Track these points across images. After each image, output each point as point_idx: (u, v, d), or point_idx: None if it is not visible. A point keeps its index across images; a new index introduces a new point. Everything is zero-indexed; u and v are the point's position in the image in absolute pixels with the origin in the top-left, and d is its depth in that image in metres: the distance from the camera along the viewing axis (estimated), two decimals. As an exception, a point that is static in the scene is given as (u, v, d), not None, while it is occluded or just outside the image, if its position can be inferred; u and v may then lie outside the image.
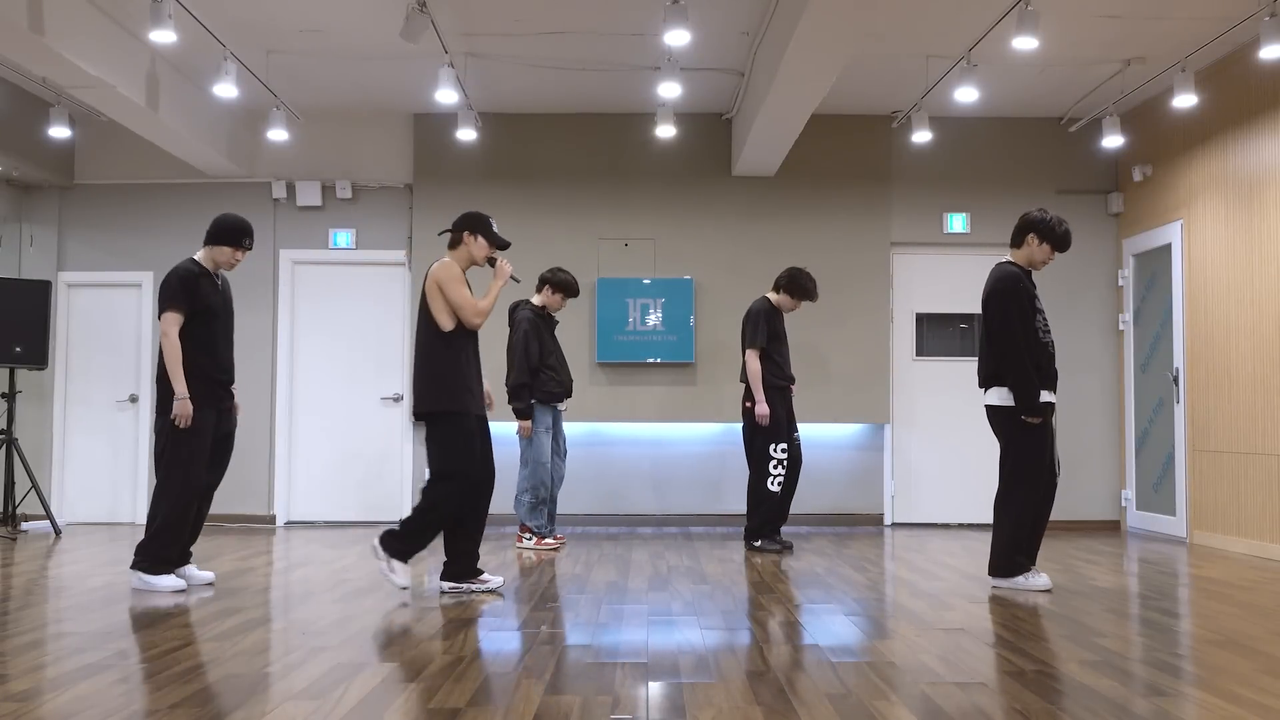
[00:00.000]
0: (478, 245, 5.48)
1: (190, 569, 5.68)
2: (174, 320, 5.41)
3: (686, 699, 3.32)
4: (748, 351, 7.23)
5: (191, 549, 5.73)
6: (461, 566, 5.47)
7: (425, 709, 3.20)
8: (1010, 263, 5.64)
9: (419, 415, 5.44)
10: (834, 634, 4.40)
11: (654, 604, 5.12)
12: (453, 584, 5.45)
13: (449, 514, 5.36)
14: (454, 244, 5.51)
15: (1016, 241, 5.63)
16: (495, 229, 5.53)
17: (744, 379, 7.32)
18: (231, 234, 5.54)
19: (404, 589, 5.44)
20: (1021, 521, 5.53)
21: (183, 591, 5.43)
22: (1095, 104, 8.70)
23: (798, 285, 7.28)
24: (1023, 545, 5.56)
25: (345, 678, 3.59)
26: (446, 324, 5.38)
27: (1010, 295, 5.49)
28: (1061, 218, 5.59)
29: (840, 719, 3.12)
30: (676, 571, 6.23)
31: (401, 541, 5.38)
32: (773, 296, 7.37)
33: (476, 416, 5.40)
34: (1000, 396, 5.56)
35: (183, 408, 5.38)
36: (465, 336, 5.44)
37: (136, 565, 5.46)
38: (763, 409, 7.12)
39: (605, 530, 8.59)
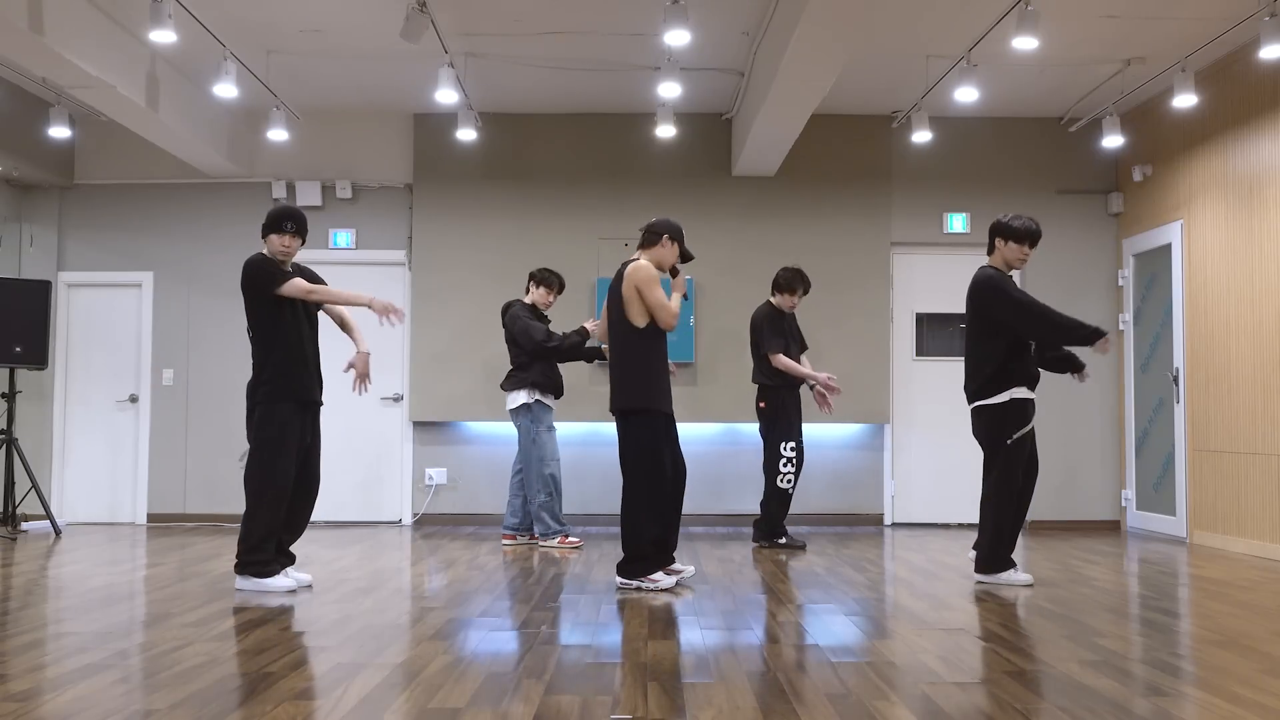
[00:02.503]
0: (670, 251, 5.65)
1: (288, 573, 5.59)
2: (293, 285, 5.34)
3: (686, 699, 3.32)
4: (772, 357, 7.34)
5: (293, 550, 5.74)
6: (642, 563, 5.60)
7: (425, 709, 3.20)
8: (986, 266, 5.86)
9: (617, 411, 5.59)
10: (834, 634, 4.40)
11: (654, 604, 5.12)
12: (623, 580, 5.61)
13: (649, 508, 5.51)
14: (649, 244, 5.65)
15: (990, 249, 5.86)
16: (686, 244, 5.76)
17: (755, 380, 7.47)
18: (272, 221, 5.45)
19: (674, 585, 5.60)
20: (1003, 520, 5.69)
21: (294, 591, 5.42)
22: (1095, 104, 8.70)
23: (781, 281, 7.45)
24: (1006, 542, 5.75)
25: (345, 678, 3.59)
26: (640, 321, 5.55)
27: (1000, 281, 5.69)
28: (1023, 215, 5.78)
29: (840, 719, 3.12)
30: (676, 571, 6.23)
31: (629, 563, 5.58)
32: (773, 299, 7.50)
33: (665, 415, 5.57)
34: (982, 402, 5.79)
35: (381, 303, 5.37)
36: (658, 334, 5.62)
37: (242, 570, 5.44)
38: (820, 377, 7.31)
39: (605, 530, 8.59)
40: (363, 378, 5.63)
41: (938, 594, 5.47)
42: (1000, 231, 5.77)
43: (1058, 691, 3.43)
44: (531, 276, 7.59)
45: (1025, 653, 4.02)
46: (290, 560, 5.63)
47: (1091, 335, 5.52)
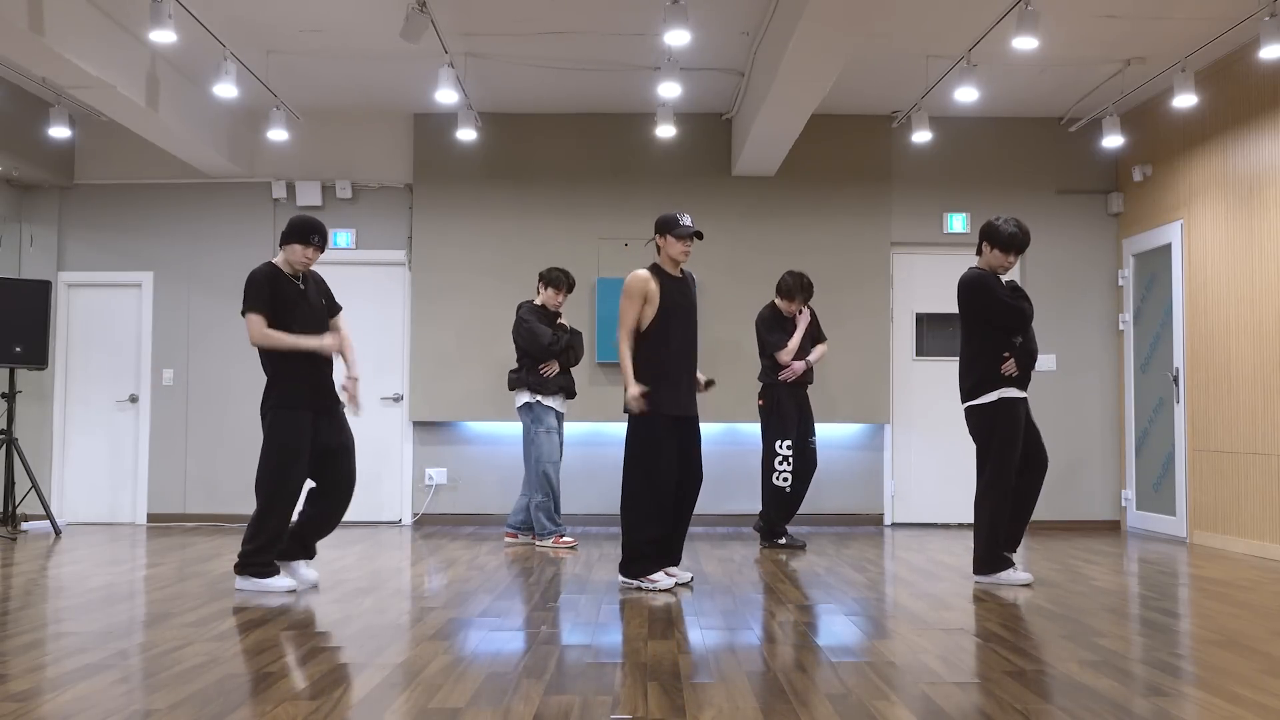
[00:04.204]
0: (669, 245, 5.60)
1: (299, 566, 5.61)
2: (257, 321, 5.34)
3: (686, 699, 3.32)
4: (776, 355, 7.38)
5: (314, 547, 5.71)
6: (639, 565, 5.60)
7: (425, 709, 3.20)
8: (976, 267, 5.90)
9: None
10: (834, 634, 4.40)
11: (654, 604, 5.12)
12: (624, 579, 5.64)
13: (645, 508, 5.48)
14: (657, 250, 5.67)
15: (979, 250, 5.90)
16: (683, 222, 5.59)
17: (761, 378, 7.51)
18: (297, 231, 5.42)
19: (672, 587, 5.57)
20: (997, 519, 5.70)
21: (293, 591, 5.41)
22: (1095, 104, 8.69)
23: (781, 287, 7.50)
24: (1002, 542, 5.76)
25: (345, 678, 3.59)
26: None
27: (986, 281, 5.73)
28: (1014, 220, 5.78)
29: (840, 719, 3.12)
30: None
31: (628, 563, 5.59)
32: (776, 301, 7.57)
33: (674, 417, 5.52)
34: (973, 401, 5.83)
35: (318, 344, 5.43)
36: (659, 339, 5.51)
37: (242, 570, 5.43)
38: (790, 360, 7.37)
39: (605, 530, 8.59)
40: (353, 400, 5.59)
41: (938, 594, 5.47)
42: (987, 236, 5.80)
43: (1058, 691, 3.43)
44: (541, 277, 7.56)
45: (1025, 653, 4.02)
46: (309, 555, 5.65)
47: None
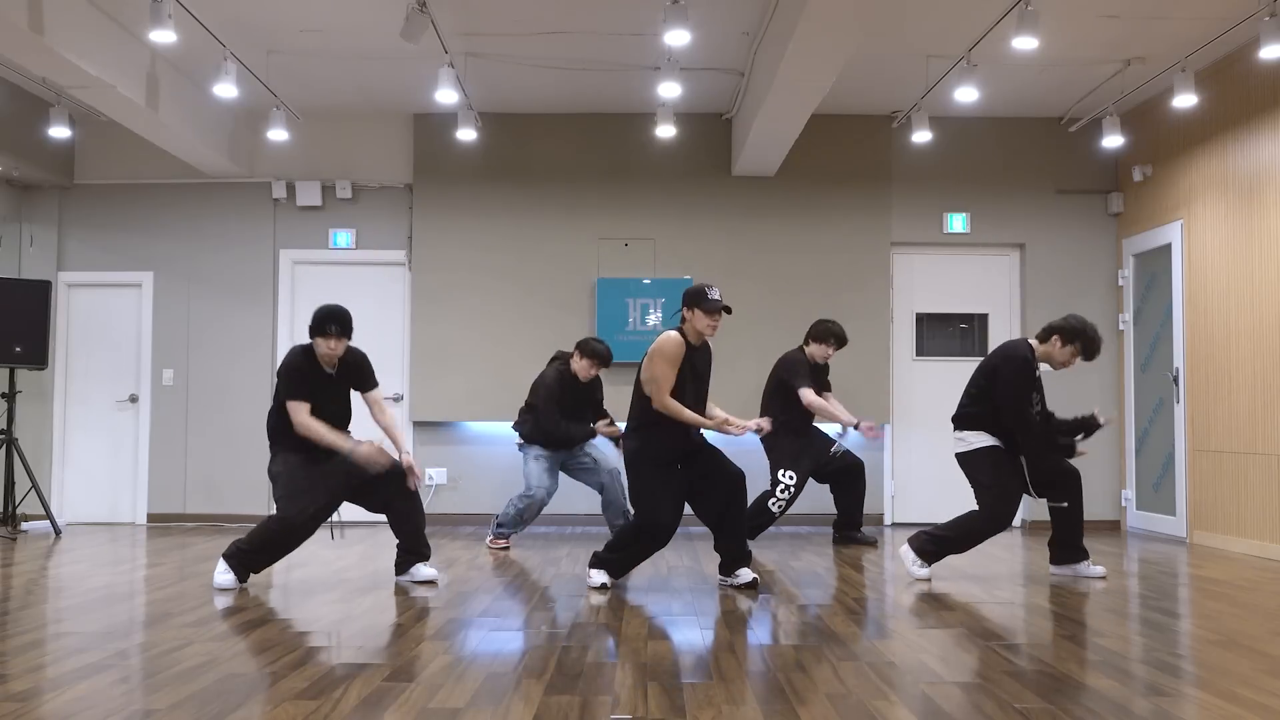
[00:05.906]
0: (696, 318, 5.46)
1: (419, 567, 5.81)
2: (299, 408, 5.49)
3: (686, 699, 3.32)
4: (799, 392, 7.30)
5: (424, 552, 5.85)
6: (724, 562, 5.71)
7: (425, 709, 3.20)
8: (1026, 342, 5.89)
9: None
10: (834, 634, 4.40)
11: (654, 604, 5.12)
12: (721, 578, 5.75)
13: (644, 546, 5.54)
14: (682, 320, 5.54)
15: (1044, 336, 5.85)
16: (712, 296, 5.45)
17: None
18: (315, 325, 5.49)
19: (601, 586, 5.59)
20: (969, 541, 5.88)
21: (227, 590, 5.46)
22: (1095, 104, 8.69)
23: (821, 331, 7.50)
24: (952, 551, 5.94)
25: (345, 678, 3.59)
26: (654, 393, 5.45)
27: (1016, 375, 5.75)
28: (1093, 327, 5.78)
29: (840, 719, 3.12)
30: (676, 571, 6.23)
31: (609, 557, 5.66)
32: (806, 349, 7.56)
33: (674, 457, 5.52)
34: (962, 444, 5.94)
35: (364, 451, 5.59)
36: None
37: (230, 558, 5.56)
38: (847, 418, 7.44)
39: (606, 531, 8.58)
40: (412, 474, 5.79)
41: (938, 594, 5.47)
42: (1069, 334, 5.73)
43: (1058, 691, 3.43)
44: (580, 347, 7.31)
45: (1025, 653, 4.02)
46: (425, 558, 5.85)
47: (1065, 450, 5.90)
